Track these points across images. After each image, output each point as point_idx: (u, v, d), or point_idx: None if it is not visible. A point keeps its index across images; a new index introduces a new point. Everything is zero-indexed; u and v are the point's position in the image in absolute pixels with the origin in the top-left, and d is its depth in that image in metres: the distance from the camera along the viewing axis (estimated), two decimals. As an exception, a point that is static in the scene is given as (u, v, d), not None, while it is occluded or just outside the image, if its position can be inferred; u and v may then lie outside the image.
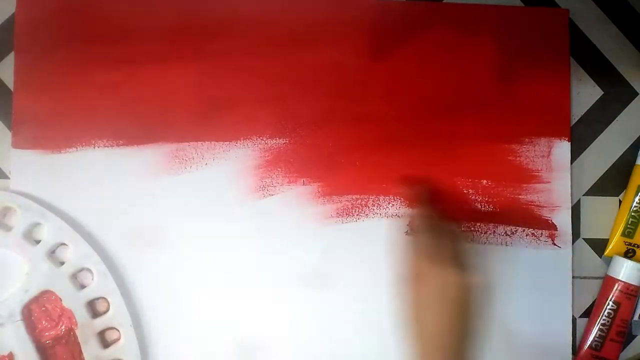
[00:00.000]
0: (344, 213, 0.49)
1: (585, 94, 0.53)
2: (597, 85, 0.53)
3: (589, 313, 0.51)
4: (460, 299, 0.37)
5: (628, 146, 0.52)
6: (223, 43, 0.49)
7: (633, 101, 0.53)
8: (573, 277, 0.51)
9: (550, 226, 0.50)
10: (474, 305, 0.38)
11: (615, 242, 0.51)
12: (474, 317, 0.38)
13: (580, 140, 0.52)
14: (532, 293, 0.50)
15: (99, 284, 0.46)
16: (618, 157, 0.52)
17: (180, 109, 0.49)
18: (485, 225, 0.50)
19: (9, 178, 0.47)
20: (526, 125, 0.51)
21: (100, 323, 0.46)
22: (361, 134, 0.50)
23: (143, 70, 0.48)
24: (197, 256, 0.48)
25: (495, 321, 0.50)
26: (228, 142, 0.49)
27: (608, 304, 0.50)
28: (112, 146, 0.48)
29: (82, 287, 0.46)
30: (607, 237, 0.52)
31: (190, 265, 0.48)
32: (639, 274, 0.49)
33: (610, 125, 0.53)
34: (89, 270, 0.46)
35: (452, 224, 0.43)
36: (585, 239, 0.52)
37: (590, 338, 0.50)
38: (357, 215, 0.49)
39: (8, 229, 0.46)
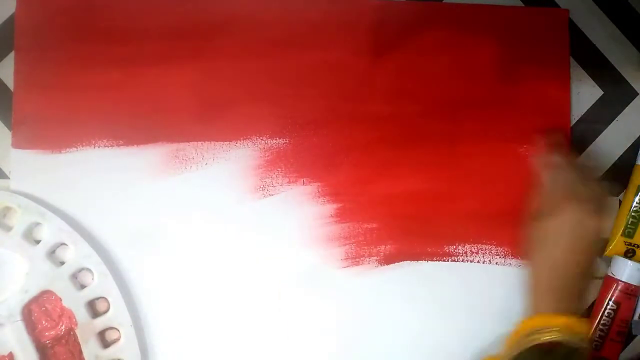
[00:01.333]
0: (344, 213, 0.49)
1: (585, 94, 0.53)
2: (597, 85, 0.53)
3: (589, 313, 0.51)
4: (587, 238, 0.40)
5: (628, 146, 0.52)
6: (223, 43, 0.49)
7: (633, 101, 0.53)
8: (573, 277, 0.51)
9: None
10: (596, 247, 0.42)
11: (615, 242, 0.51)
12: (594, 259, 0.42)
13: (580, 140, 0.52)
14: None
15: (99, 283, 0.46)
16: (618, 157, 0.52)
17: (180, 109, 0.49)
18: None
19: (9, 178, 0.47)
20: (526, 125, 0.51)
21: (100, 323, 0.46)
22: (361, 134, 0.50)
23: (143, 70, 0.48)
24: (197, 256, 0.48)
25: (496, 321, 0.50)
26: (228, 142, 0.49)
27: (608, 304, 0.50)
28: (112, 146, 0.48)
29: (82, 287, 0.46)
30: (607, 237, 0.52)
31: (190, 265, 0.48)
32: (639, 274, 0.49)
33: (610, 125, 0.53)
34: (89, 270, 0.46)
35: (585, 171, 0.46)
36: (585, 239, 0.52)
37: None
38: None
39: (8, 229, 0.46)
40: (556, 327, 0.38)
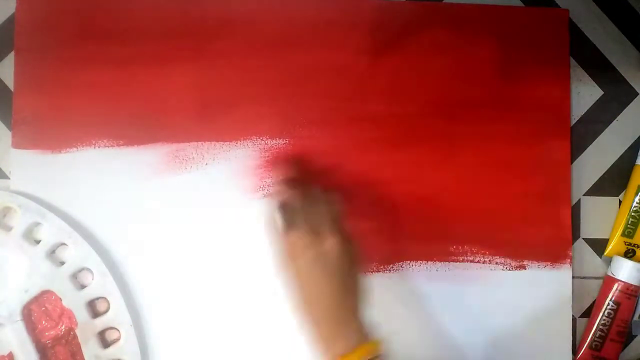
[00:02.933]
0: (343, 213, 0.49)
1: (585, 94, 0.53)
2: (597, 85, 0.53)
3: (589, 313, 0.51)
4: (340, 262, 0.39)
5: (628, 146, 0.52)
6: (223, 43, 0.49)
7: (633, 101, 0.53)
8: (573, 277, 0.51)
9: (550, 226, 0.50)
10: (352, 266, 0.40)
11: (615, 242, 0.51)
12: (354, 276, 0.40)
13: (580, 140, 0.52)
14: (532, 292, 0.50)
15: (99, 283, 0.46)
16: (618, 157, 0.52)
17: (180, 109, 0.49)
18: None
19: (9, 178, 0.47)
20: (526, 125, 0.51)
21: (100, 323, 0.46)
22: (361, 134, 0.50)
23: (143, 70, 0.48)
24: (197, 256, 0.48)
25: (495, 320, 0.50)
26: (228, 142, 0.49)
27: (608, 304, 0.50)
28: (112, 146, 0.48)
29: (82, 287, 0.46)
30: (607, 237, 0.52)
31: (190, 265, 0.48)
32: (639, 274, 0.49)
33: (610, 125, 0.53)
34: (89, 270, 0.46)
35: (321, 191, 0.43)
36: (585, 239, 0.52)
37: (590, 338, 0.50)
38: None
39: (8, 229, 0.46)
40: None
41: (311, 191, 0.43)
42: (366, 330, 0.39)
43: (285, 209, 0.41)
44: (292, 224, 0.40)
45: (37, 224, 0.46)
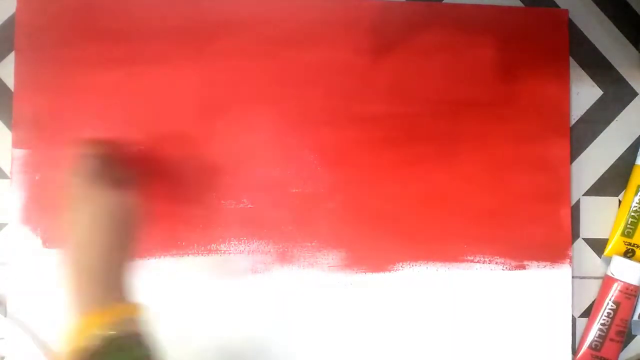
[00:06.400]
0: (344, 213, 0.49)
1: (585, 94, 0.53)
2: (596, 85, 0.53)
3: (589, 313, 0.51)
4: (116, 216, 0.39)
5: (628, 146, 0.53)
6: (223, 43, 0.49)
7: (633, 101, 0.53)
8: (573, 276, 0.51)
9: (550, 226, 0.50)
10: (127, 222, 0.40)
11: (615, 242, 0.51)
12: (128, 234, 0.40)
13: (580, 140, 0.52)
14: (531, 292, 0.50)
15: None
16: (618, 157, 0.52)
17: (180, 109, 0.48)
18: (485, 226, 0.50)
19: (9, 178, 0.47)
20: (526, 125, 0.51)
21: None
22: (361, 134, 0.50)
23: (143, 70, 0.48)
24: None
25: (495, 320, 0.50)
26: (229, 143, 0.49)
27: (608, 304, 0.50)
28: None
29: None
30: (606, 237, 0.52)
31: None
32: (638, 274, 0.49)
33: (610, 125, 0.53)
34: None
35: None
36: (584, 239, 0.52)
37: (590, 338, 0.50)
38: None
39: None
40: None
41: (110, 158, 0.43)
42: (126, 291, 0.37)
43: (85, 166, 0.41)
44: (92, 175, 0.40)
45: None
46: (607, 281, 0.50)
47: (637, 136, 0.53)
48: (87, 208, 0.39)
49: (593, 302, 0.51)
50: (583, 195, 0.52)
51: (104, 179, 0.40)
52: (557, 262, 0.50)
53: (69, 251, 0.38)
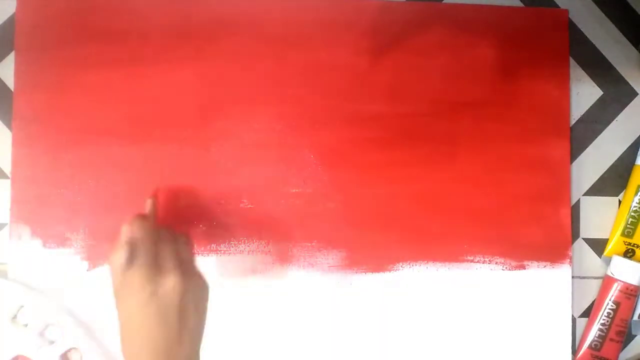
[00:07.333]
0: (343, 213, 0.49)
1: (584, 94, 0.53)
2: (596, 86, 0.53)
3: (589, 313, 0.51)
4: (179, 303, 0.36)
5: (628, 146, 0.53)
6: (223, 43, 0.49)
7: (632, 101, 0.53)
8: (573, 277, 0.51)
9: (550, 226, 0.50)
10: (196, 308, 0.38)
11: (615, 242, 0.51)
12: (197, 318, 0.38)
13: (579, 140, 0.52)
14: (531, 292, 0.50)
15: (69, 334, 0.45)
16: (618, 157, 0.52)
17: (180, 109, 0.48)
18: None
19: (9, 178, 0.47)
20: (526, 125, 0.51)
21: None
22: (361, 134, 0.50)
23: (143, 70, 0.48)
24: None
25: (495, 320, 0.50)
26: (228, 143, 0.49)
27: (607, 304, 0.50)
28: (112, 146, 0.48)
29: (51, 342, 0.45)
30: (606, 237, 0.52)
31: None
32: (638, 274, 0.49)
33: (609, 125, 0.53)
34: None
35: (170, 232, 0.42)
36: (584, 239, 0.52)
37: (590, 338, 0.50)
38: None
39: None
40: None
41: (159, 231, 0.41)
42: None
43: (130, 246, 0.38)
44: (135, 261, 0.37)
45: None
46: (607, 281, 0.50)
47: (637, 136, 0.53)
48: (140, 295, 0.36)
49: (593, 302, 0.51)
50: (583, 195, 0.52)
51: (149, 263, 0.37)
52: (557, 262, 0.50)
53: (125, 346, 0.36)
